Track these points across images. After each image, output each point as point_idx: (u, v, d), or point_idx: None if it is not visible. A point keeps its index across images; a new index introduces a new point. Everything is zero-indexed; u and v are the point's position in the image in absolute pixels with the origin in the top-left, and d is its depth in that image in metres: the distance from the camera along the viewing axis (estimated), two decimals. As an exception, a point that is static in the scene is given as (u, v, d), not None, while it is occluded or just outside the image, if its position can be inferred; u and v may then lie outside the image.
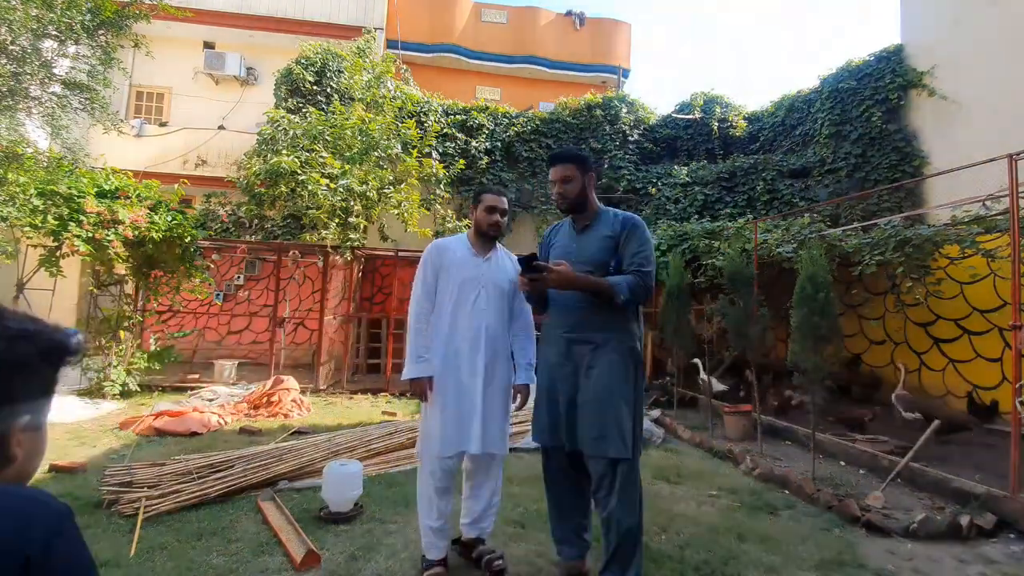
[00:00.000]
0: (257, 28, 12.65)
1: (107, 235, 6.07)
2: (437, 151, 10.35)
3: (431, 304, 2.59)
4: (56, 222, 5.82)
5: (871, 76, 8.89)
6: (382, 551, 2.88)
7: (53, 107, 6.38)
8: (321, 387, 7.54)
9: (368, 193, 8.24)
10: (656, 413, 6.59)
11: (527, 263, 2.21)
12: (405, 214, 8.71)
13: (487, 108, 11.25)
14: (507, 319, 2.71)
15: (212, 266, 8.99)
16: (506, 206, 2.68)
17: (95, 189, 6.42)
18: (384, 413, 6.36)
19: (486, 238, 2.68)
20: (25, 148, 6.27)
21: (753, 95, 47.26)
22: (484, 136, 10.94)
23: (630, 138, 11.29)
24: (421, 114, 10.69)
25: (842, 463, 4.70)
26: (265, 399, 6.09)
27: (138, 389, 6.80)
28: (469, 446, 2.49)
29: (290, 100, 10.26)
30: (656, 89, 45.18)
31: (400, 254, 8.81)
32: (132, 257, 6.68)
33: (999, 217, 5.17)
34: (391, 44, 13.46)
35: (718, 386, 6.52)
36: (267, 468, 3.82)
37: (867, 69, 8.98)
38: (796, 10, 51.54)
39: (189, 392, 6.88)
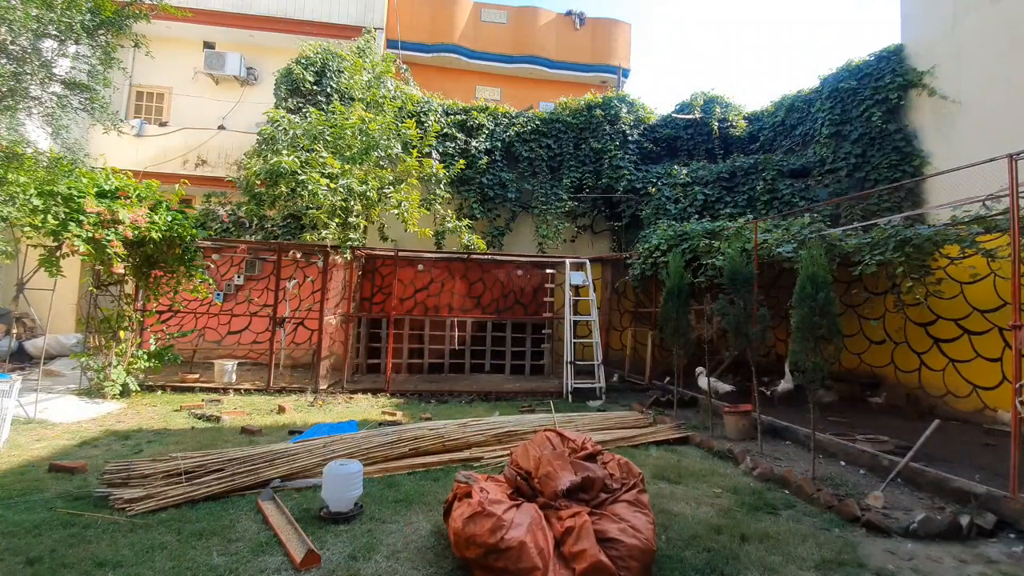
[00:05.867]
0: (257, 28, 12.65)
1: (107, 235, 6.07)
2: (437, 151, 10.35)
3: None
4: (56, 222, 5.81)
5: (871, 76, 8.87)
6: (382, 551, 2.88)
7: (53, 107, 6.37)
8: (321, 387, 7.54)
9: (368, 193, 8.24)
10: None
11: None
12: (405, 214, 8.71)
13: (487, 108, 11.24)
14: None
15: (212, 266, 9.00)
16: None
17: (95, 189, 6.42)
18: (384, 413, 6.37)
19: None
20: (25, 148, 6.26)
21: (753, 95, 47.19)
22: (484, 136, 10.93)
23: (630, 138, 11.28)
24: (421, 114, 10.69)
25: (842, 463, 4.70)
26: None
27: (138, 389, 6.80)
28: None
29: (290, 100, 10.26)
30: (656, 89, 45.12)
31: (400, 254, 8.81)
32: (132, 257, 6.67)
33: (999, 217, 5.16)
34: (391, 44, 13.46)
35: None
36: (257, 472, 3.79)
37: (867, 69, 8.97)
38: (796, 10, 51.47)
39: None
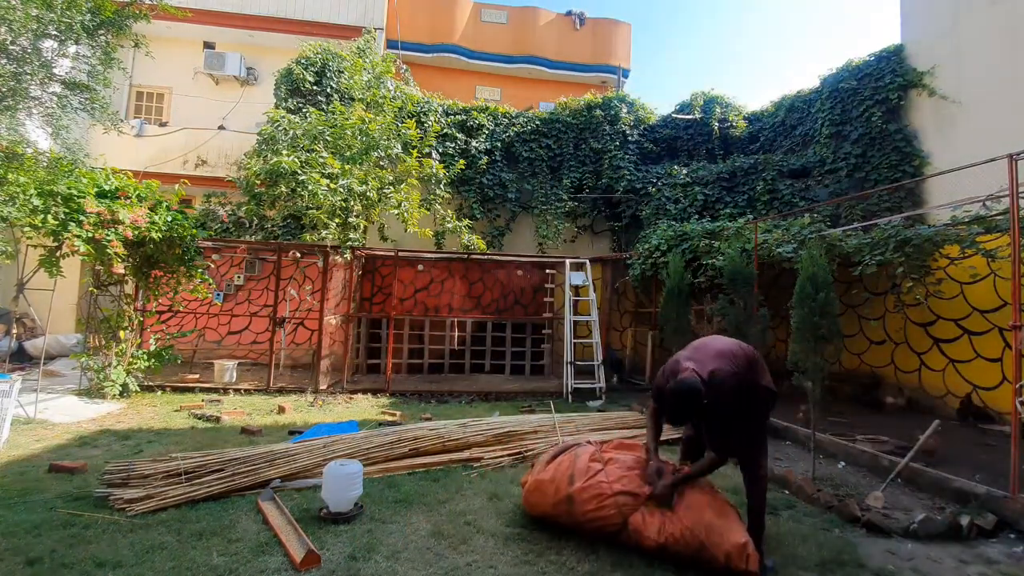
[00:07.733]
0: (257, 28, 12.66)
1: (107, 235, 6.06)
2: (437, 151, 10.35)
3: None
4: (56, 222, 5.81)
5: (871, 76, 8.88)
6: (382, 551, 2.88)
7: (53, 107, 6.39)
8: (321, 387, 7.54)
9: (368, 193, 8.24)
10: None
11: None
12: (405, 214, 8.71)
13: (487, 108, 11.24)
14: None
15: (212, 266, 8.99)
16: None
17: (95, 189, 6.41)
18: (384, 413, 6.37)
19: None
20: (25, 148, 6.27)
21: (753, 95, 47.25)
22: (484, 136, 10.93)
23: (630, 138, 11.28)
24: (421, 114, 10.69)
25: (842, 463, 4.70)
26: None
27: (138, 389, 6.80)
28: None
29: (290, 100, 10.26)
30: (656, 89, 45.14)
31: (400, 254, 8.81)
32: (132, 257, 6.67)
33: (999, 217, 5.17)
34: (391, 44, 13.46)
35: None
36: (257, 472, 3.78)
37: (867, 69, 8.97)
38: (797, 10, 51.50)
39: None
